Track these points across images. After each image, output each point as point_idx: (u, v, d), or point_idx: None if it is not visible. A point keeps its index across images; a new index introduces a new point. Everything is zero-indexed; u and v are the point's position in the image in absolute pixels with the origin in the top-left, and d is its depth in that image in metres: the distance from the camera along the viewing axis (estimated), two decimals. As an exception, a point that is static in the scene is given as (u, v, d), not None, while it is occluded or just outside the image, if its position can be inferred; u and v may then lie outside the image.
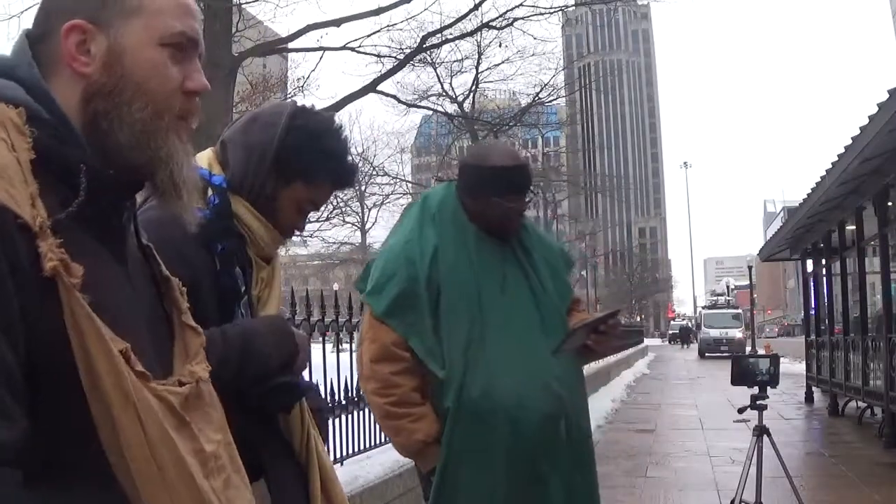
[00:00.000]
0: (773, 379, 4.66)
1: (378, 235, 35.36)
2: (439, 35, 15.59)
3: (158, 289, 1.06)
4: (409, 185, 33.36)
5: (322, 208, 1.78)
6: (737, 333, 35.51)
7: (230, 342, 1.46)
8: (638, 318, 74.74)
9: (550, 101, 25.63)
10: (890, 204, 9.39)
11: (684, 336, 52.50)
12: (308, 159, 1.60)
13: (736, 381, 4.73)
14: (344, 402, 4.35)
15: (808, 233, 13.80)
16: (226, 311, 1.52)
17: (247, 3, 14.10)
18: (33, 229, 0.82)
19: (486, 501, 2.17)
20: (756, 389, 4.66)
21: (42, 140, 0.87)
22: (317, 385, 3.90)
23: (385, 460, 4.38)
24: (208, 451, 0.93)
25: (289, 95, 20.47)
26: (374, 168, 30.01)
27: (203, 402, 0.98)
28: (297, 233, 1.71)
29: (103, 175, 0.93)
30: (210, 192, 1.56)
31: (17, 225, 0.81)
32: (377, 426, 4.66)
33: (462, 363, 2.18)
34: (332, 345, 4.24)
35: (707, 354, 34.40)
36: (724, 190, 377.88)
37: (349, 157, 1.69)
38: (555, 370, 2.24)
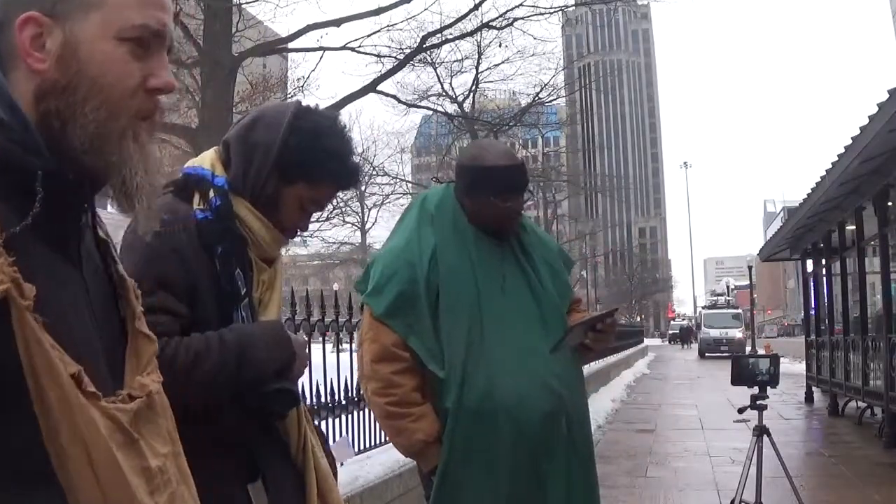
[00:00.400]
0: (773, 379, 4.66)
1: (378, 235, 35.38)
2: (439, 35, 15.62)
3: (115, 289, 1.01)
4: (409, 185, 33.35)
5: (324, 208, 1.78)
6: (737, 333, 35.51)
7: (227, 347, 1.45)
8: (638, 319, 74.70)
9: (550, 101, 25.67)
10: (890, 204, 9.39)
11: (684, 336, 52.32)
12: (311, 159, 1.59)
13: (736, 381, 4.73)
14: (344, 402, 4.35)
15: (808, 233, 13.80)
16: (225, 314, 1.52)
17: (247, 3, 14.14)
18: None
19: (488, 500, 2.18)
20: (756, 389, 4.66)
21: None
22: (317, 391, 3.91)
23: (385, 460, 4.38)
24: (154, 467, 0.91)
25: (289, 95, 20.45)
26: (374, 168, 30.01)
27: (153, 414, 0.95)
28: (300, 232, 1.71)
29: (63, 181, 0.88)
30: (212, 193, 1.56)
31: None
32: (377, 426, 4.66)
33: (462, 363, 2.19)
34: (332, 345, 4.24)
35: (707, 354, 34.41)
36: (724, 190, 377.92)
37: (353, 158, 1.68)
38: (555, 369, 2.25)
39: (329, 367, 4.13)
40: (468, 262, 2.28)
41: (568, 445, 2.24)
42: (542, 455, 2.20)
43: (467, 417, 2.17)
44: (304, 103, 1.69)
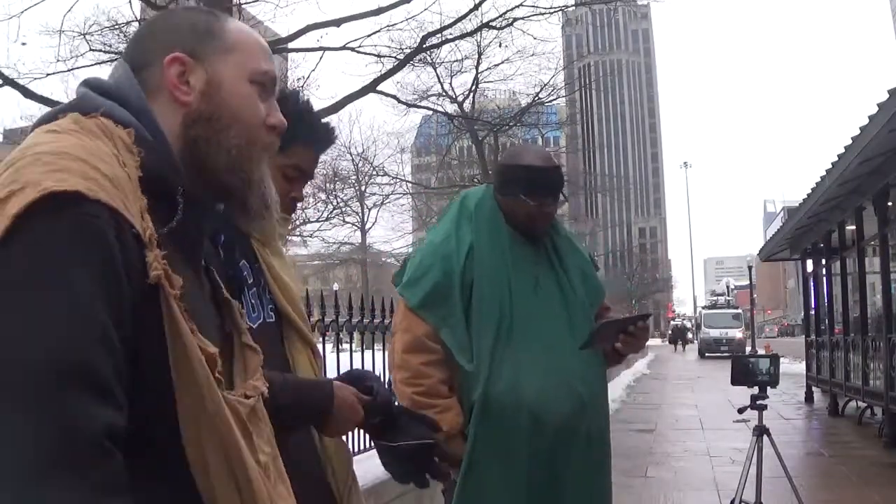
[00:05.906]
0: (773, 379, 4.67)
1: (378, 235, 35.40)
2: (439, 35, 15.60)
3: (219, 309, 1.13)
4: (409, 185, 33.35)
5: (313, 175, 1.81)
6: (737, 333, 35.53)
7: (279, 395, 1.44)
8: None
9: (550, 101, 25.65)
10: (890, 204, 9.39)
11: (678, 337, 49.77)
12: None
13: (736, 381, 4.74)
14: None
15: (808, 233, 13.80)
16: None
17: (247, 3, 14.14)
18: (143, 240, 0.90)
19: (509, 494, 2.21)
20: (756, 389, 4.67)
21: (147, 160, 0.96)
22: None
23: (385, 460, 4.37)
24: (263, 462, 1.02)
25: (289, 96, 20.39)
26: (374, 168, 29.99)
27: (259, 416, 1.06)
28: (298, 202, 1.72)
29: (197, 198, 1.03)
30: None
31: (132, 234, 0.89)
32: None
33: (489, 359, 2.23)
34: (332, 345, 4.24)
35: (707, 354, 34.43)
36: (724, 190, 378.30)
37: (315, 118, 1.70)
38: (579, 370, 2.29)
39: (329, 367, 4.13)
40: (503, 260, 2.33)
41: (585, 448, 2.27)
42: (559, 456, 2.23)
43: (491, 412, 2.21)
44: None
